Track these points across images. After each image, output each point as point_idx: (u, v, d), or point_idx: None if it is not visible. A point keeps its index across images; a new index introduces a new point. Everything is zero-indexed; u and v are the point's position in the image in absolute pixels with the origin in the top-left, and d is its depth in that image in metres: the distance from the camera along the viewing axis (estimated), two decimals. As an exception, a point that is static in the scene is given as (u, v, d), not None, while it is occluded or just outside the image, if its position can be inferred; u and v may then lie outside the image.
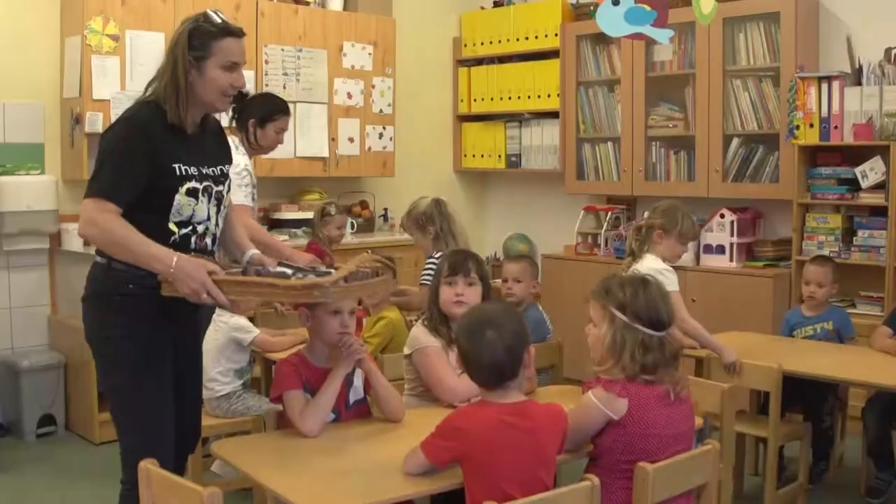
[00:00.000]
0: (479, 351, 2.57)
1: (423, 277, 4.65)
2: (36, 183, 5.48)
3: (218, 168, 3.05)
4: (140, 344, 2.91)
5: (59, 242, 5.64)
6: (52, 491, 4.59)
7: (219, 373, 4.37)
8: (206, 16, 2.93)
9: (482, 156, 7.63)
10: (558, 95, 7.01)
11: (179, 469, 3.04)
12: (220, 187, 3.05)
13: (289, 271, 2.95)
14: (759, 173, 6.08)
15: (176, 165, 2.88)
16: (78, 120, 5.52)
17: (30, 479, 4.78)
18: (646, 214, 4.47)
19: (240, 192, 4.52)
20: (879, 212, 5.51)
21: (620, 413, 2.70)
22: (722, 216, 6.06)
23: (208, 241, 3.02)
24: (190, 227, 2.95)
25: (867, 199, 5.53)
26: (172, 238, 2.90)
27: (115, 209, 2.78)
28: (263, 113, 4.68)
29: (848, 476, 4.60)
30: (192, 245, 2.95)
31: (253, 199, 4.69)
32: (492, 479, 2.45)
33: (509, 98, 7.34)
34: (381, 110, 6.92)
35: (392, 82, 6.97)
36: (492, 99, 7.46)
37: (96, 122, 5.45)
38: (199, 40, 2.87)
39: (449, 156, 7.81)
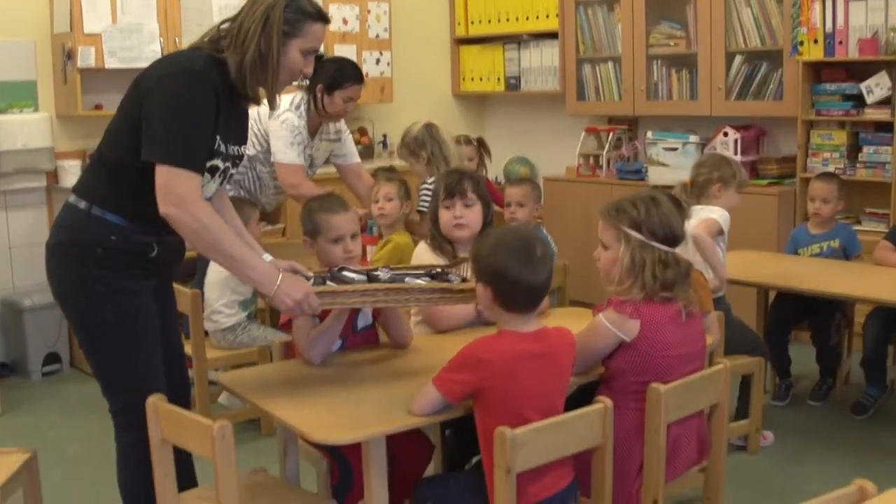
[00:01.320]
0: (532, 273, 2.46)
1: (420, 204, 4.61)
2: (30, 121, 5.39)
3: (241, 148, 2.84)
4: (126, 303, 2.68)
5: (56, 179, 5.59)
6: (60, 429, 4.61)
7: (223, 304, 4.35)
8: None
9: (481, 79, 7.52)
10: (557, 16, 6.87)
11: None
12: (234, 170, 2.84)
13: (359, 276, 2.88)
14: (762, 91, 5.98)
15: (218, 136, 2.65)
16: (70, 55, 5.41)
17: (38, 417, 4.80)
18: (693, 171, 4.34)
19: (292, 151, 4.51)
20: (885, 127, 5.43)
21: (632, 334, 2.67)
22: (725, 134, 5.98)
23: None
24: None
25: (872, 114, 5.45)
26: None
27: (198, 182, 2.55)
28: (333, 79, 4.50)
29: (853, 394, 4.60)
30: None
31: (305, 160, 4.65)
32: (512, 409, 2.42)
33: (507, 20, 7.21)
34: (377, 35, 6.80)
35: (388, 7, 6.84)
36: (489, 21, 7.32)
37: (88, 57, 5.36)
38: (293, 15, 2.62)
39: (447, 80, 7.70)
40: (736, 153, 5.94)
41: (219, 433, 2.25)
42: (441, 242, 3.42)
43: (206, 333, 4.27)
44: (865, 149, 5.52)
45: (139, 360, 2.71)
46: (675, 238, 2.73)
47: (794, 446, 4.17)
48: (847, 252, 4.69)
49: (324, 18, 2.70)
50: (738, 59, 6.06)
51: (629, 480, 2.68)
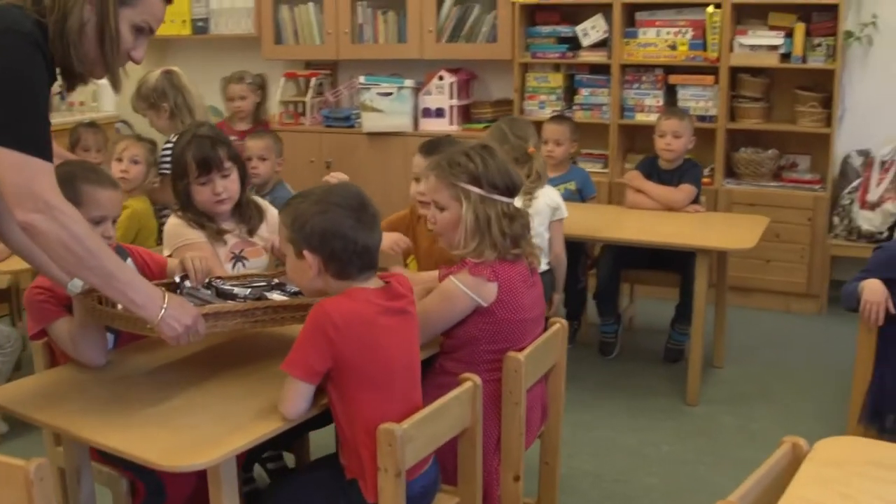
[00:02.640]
0: (368, 233, 2.12)
1: (162, 167, 4.05)
2: None
3: None
4: None
5: None
6: None
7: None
8: None
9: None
10: (250, -49, 6.37)
11: None
12: None
13: (238, 290, 2.44)
14: (474, 33, 5.87)
15: None
16: None
17: None
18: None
19: None
20: (600, 70, 5.53)
21: (490, 299, 2.40)
22: (441, 78, 5.82)
23: None
24: None
25: (588, 57, 5.52)
26: None
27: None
28: None
29: (595, 335, 4.66)
30: None
31: None
32: (379, 379, 2.09)
33: (193, -47, 6.58)
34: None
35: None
36: (172, -45, 6.64)
37: None
38: None
39: (122, 21, 6.90)
40: (452, 97, 5.83)
41: (37, 475, 1.69)
42: (200, 219, 2.96)
43: None
44: (582, 91, 5.58)
45: None
46: (515, 188, 2.49)
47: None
48: (583, 194, 4.69)
49: None
50: (448, 0, 5.89)
51: (488, 458, 2.43)
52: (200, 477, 2.40)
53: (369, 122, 5.91)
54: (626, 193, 4.58)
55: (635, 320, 4.98)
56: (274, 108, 6.43)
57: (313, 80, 6.39)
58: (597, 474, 3.37)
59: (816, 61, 5.04)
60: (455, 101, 5.84)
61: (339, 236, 2.08)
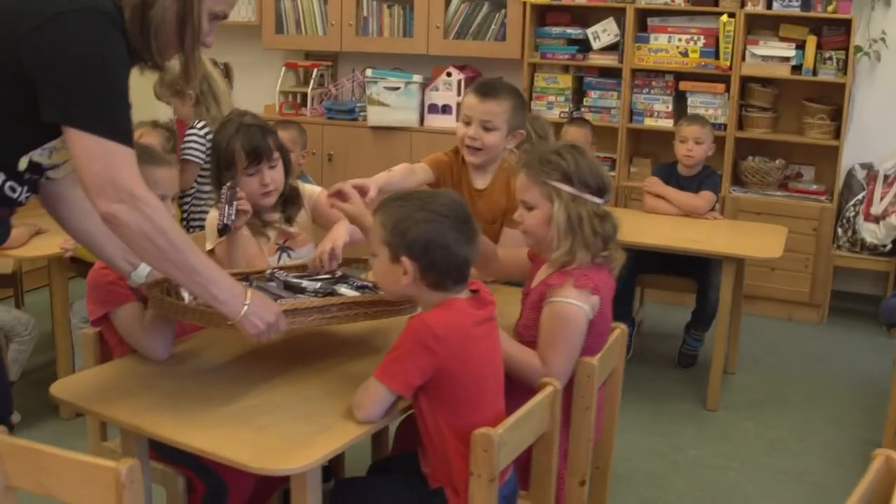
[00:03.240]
0: (468, 246, 2.07)
1: (186, 152, 3.98)
2: None
3: None
4: None
5: None
6: None
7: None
8: None
9: (161, 4, 6.72)
10: (255, -62, 6.29)
11: None
12: None
13: (307, 283, 2.42)
14: (482, 31, 5.85)
15: None
16: None
17: None
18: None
19: None
20: (609, 73, 5.55)
21: (594, 312, 2.37)
22: (449, 74, 5.80)
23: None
24: (39, 176, 2.04)
25: (598, 60, 5.53)
26: (4, 177, 1.99)
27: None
28: None
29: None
30: (19, 198, 2.05)
31: None
32: (472, 392, 2.05)
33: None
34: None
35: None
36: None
37: None
38: None
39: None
40: (459, 94, 5.80)
41: (128, 477, 1.64)
42: None
43: None
44: (591, 93, 5.59)
45: None
46: (605, 188, 2.44)
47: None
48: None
49: None
50: (457, -3, 5.88)
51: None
52: (260, 479, 2.38)
53: (375, 115, 5.87)
54: (644, 198, 4.58)
55: (643, 325, 5.00)
56: (274, 98, 6.38)
57: (315, 71, 6.33)
58: (629, 478, 3.38)
59: (827, 74, 5.09)
60: (462, 98, 5.80)
61: (442, 247, 2.03)
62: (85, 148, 1.83)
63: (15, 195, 2.00)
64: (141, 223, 1.86)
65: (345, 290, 2.41)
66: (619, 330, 2.62)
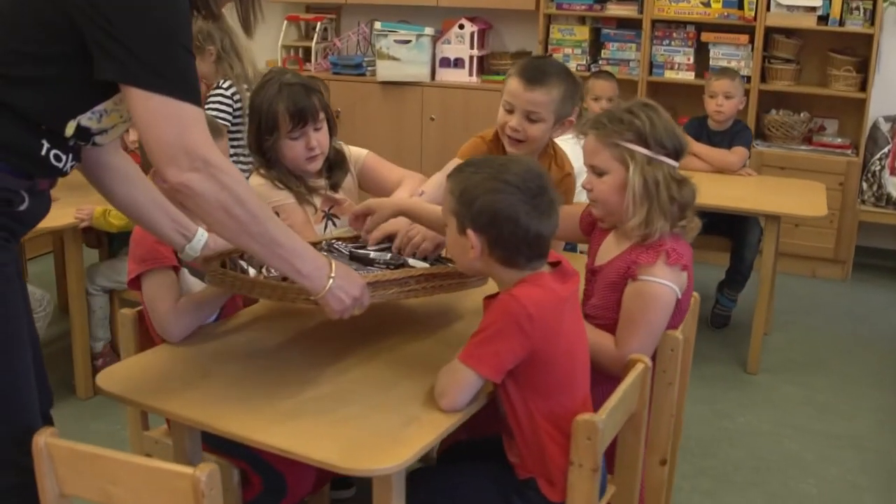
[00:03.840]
0: (543, 220, 1.89)
1: (210, 112, 3.79)
2: None
3: None
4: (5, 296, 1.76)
5: None
6: None
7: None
8: None
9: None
10: None
11: None
12: None
13: (375, 255, 2.27)
14: (494, -20, 5.66)
15: None
16: None
17: None
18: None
19: None
20: (627, 24, 5.37)
21: (682, 290, 2.21)
22: (461, 27, 5.60)
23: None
24: (85, 142, 1.83)
25: (616, 10, 5.35)
26: (49, 144, 1.76)
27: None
28: None
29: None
30: (64, 167, 1.83)
31: None
32: (562, 373, 1.92)
33: None
34: None
35: None
36: None
37: None
38: None
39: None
40: (472, 47, 5.62)
41: (208, 484, 1.50)
42: (286, 179, 2.70)
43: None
44: (609, 45, 5.42)
45: (8, 374, 1.77)
46: (682, 149, 2.26)
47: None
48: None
49: None
50: (468, -55, 5.67)
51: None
52: (319, 473, 2.24)
53: (384, 70, 5.68)
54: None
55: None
56: (276, 53, 6.17)
57: (318, 25, 6.12)
58: (684, 447, 3.25)
59: (854, 25, 4.94)
60: (475, 52, 5.63)
61: (510, 220, 1.86)
62: (151, 110, 1.65)
63: (60, 164, 1.82)
64: (217, 193, 1.69)
65: (414, 262, 2.26)
66: (695, 300, 2.49)
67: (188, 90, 1.68)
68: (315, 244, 2.35)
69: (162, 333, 2.17)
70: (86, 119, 1.78)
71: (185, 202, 1.74)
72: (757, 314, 3.87)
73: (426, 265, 2.26)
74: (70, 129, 1.77)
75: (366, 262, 2.23)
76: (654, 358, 2.22)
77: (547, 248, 1.95)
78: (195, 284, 2.24)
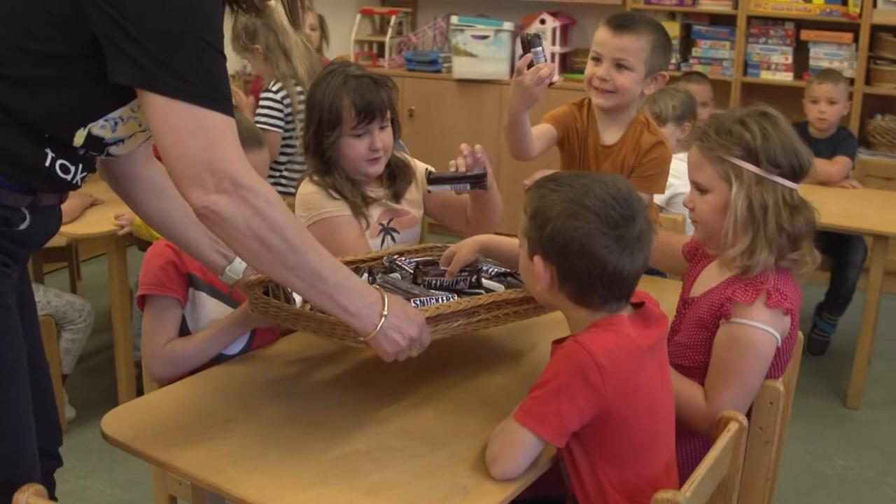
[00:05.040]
0: (628, 256, 1.58)
1: (262, 121, 3.58)
2: None
3: None
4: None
5: None
6: None
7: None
8: None
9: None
10: None
11: (48, 482, 1.81)
12: None
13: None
14: (578, -26, 5.35)
15: None
16: None
17: None
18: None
19: None
20: (720, 21, 5.02)
21: (784, 336, 1.89)
22: (543, 22, 5.30)
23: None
24: (98, 152, 1.60)
25: (709, 5, 5.00)
26: (55, 154, 1.54)
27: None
28: None
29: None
30: (73, 179, 1.60)
31: None
32: (639, 436, 1.62)
33: None
34: None
35: None
36: None
37: None
38: None
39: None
40: (554, 43, 5.31)
41: None
42: (339, 187, 2.42)
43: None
44: (700, 43, 5.07)
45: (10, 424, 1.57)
46: (802, 169, 1.92)
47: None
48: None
49: None
50: (552, -64, 5.37)
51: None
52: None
53: (461, 67, 5.40)
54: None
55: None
56: (349, 48, 5.94)
57: (393, 19, 5.87)
58: (777, 495, 2.92)
59: (973, 22, 4.52)
60: (557, 48, 5.32)
61: (584, 253, 1.56)
62: (171, 122, 1.41)
63: (68, 176, 1.58)
64: (249, 219, 1.44)
65: (488, 283, 1.98)
66: (798, 342, 2.15)
67: (216, 97, 1.44)
68: (375, 259, 2.10)
69: (153, 371, 2.01)
70: (98, 128, 1.54)
71: (212, 229, 1.49)
72: (861, 342, 3.49)
73: (500, 286, 1.97)
74: (80, 138, 1.54)
75: (432, 285, 1.96)
76: (749, 412, 1.91)
77: (629, 290, 1.64)
78: (215, 309, 2.01)
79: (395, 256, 2.09)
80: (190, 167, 1.42)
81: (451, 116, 5.43)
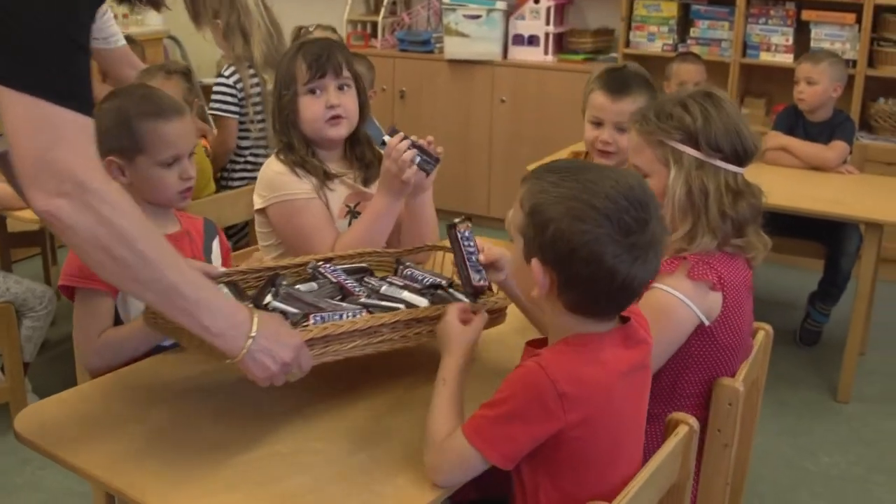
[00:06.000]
0: (636, 263, 1.39)
1: (216, 107, 3.48)
2: None
3: None
4: None
5: None
6: None
7: None
8: None
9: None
10: None
11: None
12: None
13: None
14: (574, -49, 5.21)
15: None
16: None
17: None
18: None
19: None
20: (719, 0, 4.87)
21: (713, 316, 1.79)
22: (537, 1, 5.16)
23: None
24: None
25: (708, -16, 4.85)
26: None
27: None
28: None
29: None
30: None
31: None
32: (598, 452, 1.48)
33: None
34: None
35: None
36: None
37: None
38: None
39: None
40: (548, 23, 5.17)
41: None
42: (305, 158, 2.31)
43: None
44: (699, 23, 4.92)
45: None
46: (746, 153, 1.84)
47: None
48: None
49: None
50: (547, -88, 5.21)
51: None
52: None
53: (452, 47, 5.27)
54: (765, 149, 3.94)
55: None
56: (342, 28, 5.81)
57: (386, -2, 5.75)
58: (751, 490, 2.80)
59: (979, 1, 4.35)
60: (551, 28, 5.18)
61: (593, 262, 1.38)
62: (17, 116, 1.28)
63: None
64: (93, 227, 1.31)
65: (409, 296, 1.84)
66: (763, 333, 2.05)
67: (69, 93, 1.31)
68: (299, 266, 1.98)
69: (80, 362, 1.94)
70: None
71: (57, 235, 1.36)
72: (851, 333, 3.36)
73: (423, 301, 1.84)
74: None
75: (348, 292, 1.84)
76: (707, 413, 1.80)
77: (633, 300, 1.49)
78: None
79: (320, 263, 1.96)
80: (32, 165, 1.29)
81: (441, 97, 5.31)
